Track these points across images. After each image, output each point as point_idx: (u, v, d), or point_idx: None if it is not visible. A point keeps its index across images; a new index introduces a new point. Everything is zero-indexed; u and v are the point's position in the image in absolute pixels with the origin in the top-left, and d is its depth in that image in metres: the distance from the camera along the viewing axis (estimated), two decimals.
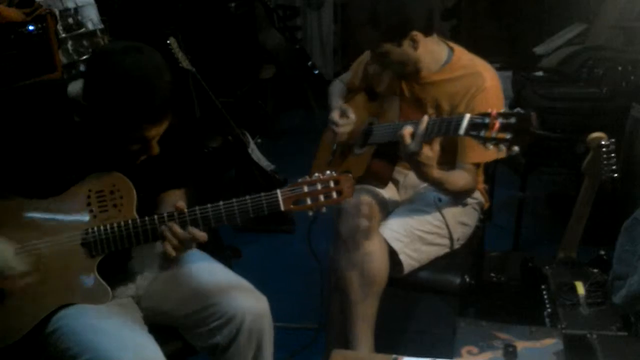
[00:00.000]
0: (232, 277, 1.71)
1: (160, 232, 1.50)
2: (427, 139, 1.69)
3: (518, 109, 1.53)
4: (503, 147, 1.52)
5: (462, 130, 1.59)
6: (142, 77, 1.39)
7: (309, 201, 1.51)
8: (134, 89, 1.38)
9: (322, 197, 1.51)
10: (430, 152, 1.71)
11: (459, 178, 1.89)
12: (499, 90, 1.95)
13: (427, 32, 1.90)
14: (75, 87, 1.55)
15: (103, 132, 1.48)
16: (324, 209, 1.53)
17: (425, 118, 1.69)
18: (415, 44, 1.89)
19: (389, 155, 2.00)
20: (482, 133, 1.54)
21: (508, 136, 1.50)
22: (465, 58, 2.00)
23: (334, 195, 1.51)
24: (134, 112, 1.40)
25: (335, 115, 2.11)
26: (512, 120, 1.50)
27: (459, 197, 1.99)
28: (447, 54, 2.00)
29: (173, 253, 1.50)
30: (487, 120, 1.53)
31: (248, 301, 1.62)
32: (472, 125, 1.57)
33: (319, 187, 1.51)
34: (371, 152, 2.02)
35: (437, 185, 1.86)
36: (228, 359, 1.62)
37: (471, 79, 1.93)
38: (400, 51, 1.89)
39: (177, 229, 1.49)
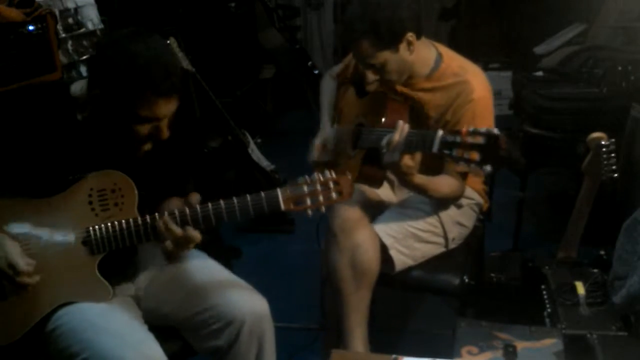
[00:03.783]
0: (232, 278, 1.71)
1: (158, 228, 1.50)
2: (406, 150, 1.68)
3: (488, 129, 1.51)
4: (473, 167, 1.51)
5: (435, 148, 1.58)
6: (154, 53, 1.43)
7: (308, 201, 1.51)
8: (147, 62, 1.41)
9: (321, 198, 1.52)
10: (411, 162, 1.69)
11: (443, 185, 1.88)
12: (489, 101, 1.91)
13: (419, 34, 1.87)
14: (78, 86, 1.56)
15: (112, 119, 1.49)
16: (323, 209, 1.53)
17: (405, 127, 1.67)
18: (411, 46, 1.86)
19: (379, 159, 2.00)
20: (454, 152, 1.54)
21: (477, 157, 1.49)
22: (454, 65, 1.95)
23: (334, 195, 1.52)
24: (147, 84, 1.42)
25: (316, 146, 2.15)
26: (481, 140, 1.49)
27: (445, 201, 1.98)
28: (435, 59, 1.96)
29: (170, 247, 1.51)
30: (458, 139, 1.53)
31: (248, 303, 1.62)
32: (444, 144, 1.56)
33: (319, 187, 1.52)
34: (362, 156, 2.01)
35: (420, 192, 1.86)
36: None
37: (459, 88, 1.89)
38: (397, 58, 1.86)
39: (173, 226, 1.49)
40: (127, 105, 1.45)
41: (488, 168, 1.49)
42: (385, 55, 1.84)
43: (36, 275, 1.49)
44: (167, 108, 1.48)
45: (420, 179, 1.78)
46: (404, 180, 1.78)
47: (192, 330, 1.64)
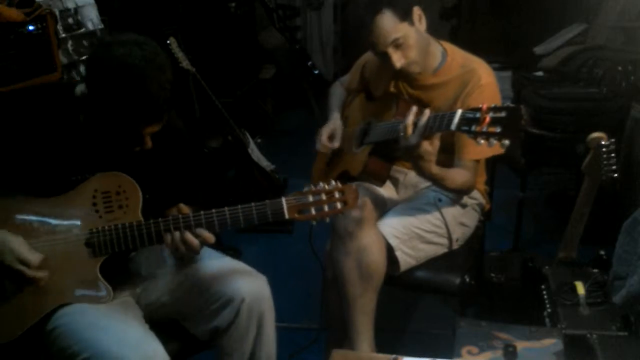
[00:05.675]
0: (229, 260, 1.72)
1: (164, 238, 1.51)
2: (425, 133, 1.68)
3: (508, 103, 1.53)
4: (494, 142, 1.50)
5: (454, 126, 1.58)
6: (148, 74, 1.40)
7: (313, 211, 1.50)
8: (138, 87, 1.40)
9: (326, 207, 1.51)
10: (430, 147, 1.69)
11: (458, 175, 1.89)
12: (495, 87, 1.96)
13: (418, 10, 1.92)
14: (82, 87, 1.56)
15: (101, 124, 1.49)
16: (327, 220, 1.52)
17: (427, 111, 1.68)
18: (420, 19, 1.91)
19: (386, 154, 2.01)
20: (473, 128, 1.53)
21: (498, 130, 1.49)
22: (459, 57, 2.01)
23: (339, 205, 1.51)
24: (134, 110, 1.42)
25: (324, 134, 2.13)
26: (502, 114, 1.49)
27: (458, 194, 1.99)
28: (441, 54, 2.01)
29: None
30: (478, 115, 1.53)
31: (246, 282, 1.63)
32: (464, 120, 1.56)
33: (324, 197, 1.51)
34: (368, 151, 2.03)
35: (436, 181, 1.86)
36: (228, 341, 1.62)
37: (467, 77, 1.94)
38: (415, 31, 1.89)
39: (179, 236, 1.51)
40: (113, 118, 1.46)
41: (507, 142, 1.49)
42: (405, 28, 1.87)
43: (45, 270, 1.48)
44: (152, 128, 1.49)
45: (437, 168, 1.78)
46: (421, 167, 1.77)
47: (193, 314, 1.64)
